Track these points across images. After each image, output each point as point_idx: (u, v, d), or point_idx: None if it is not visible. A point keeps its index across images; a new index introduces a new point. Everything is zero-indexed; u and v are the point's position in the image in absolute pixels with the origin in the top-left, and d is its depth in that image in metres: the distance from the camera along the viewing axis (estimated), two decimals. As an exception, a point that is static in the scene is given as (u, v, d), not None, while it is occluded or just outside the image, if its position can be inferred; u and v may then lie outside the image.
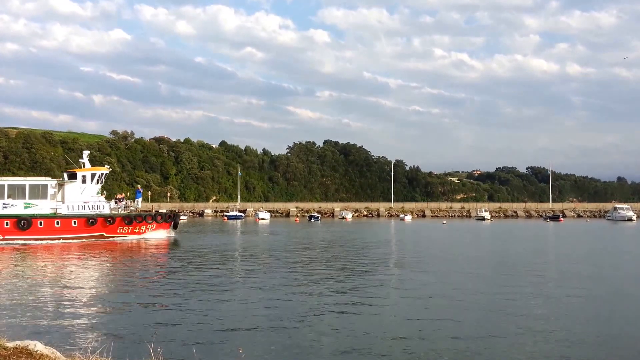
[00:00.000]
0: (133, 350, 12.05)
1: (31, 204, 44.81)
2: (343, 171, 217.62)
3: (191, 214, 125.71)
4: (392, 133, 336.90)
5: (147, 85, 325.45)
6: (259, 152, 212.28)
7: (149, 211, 55.79)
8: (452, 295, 20.46)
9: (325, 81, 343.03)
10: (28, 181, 46.31)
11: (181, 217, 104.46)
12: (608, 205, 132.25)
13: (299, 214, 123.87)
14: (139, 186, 58.71)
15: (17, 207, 44.59)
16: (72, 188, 46.37)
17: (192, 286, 22.34)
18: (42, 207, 44.96)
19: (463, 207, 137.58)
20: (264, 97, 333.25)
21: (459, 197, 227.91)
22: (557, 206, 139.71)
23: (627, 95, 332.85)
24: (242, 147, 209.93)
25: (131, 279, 24.74)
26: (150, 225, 48.72)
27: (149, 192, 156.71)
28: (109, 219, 46.28)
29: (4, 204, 44.35)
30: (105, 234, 46.25)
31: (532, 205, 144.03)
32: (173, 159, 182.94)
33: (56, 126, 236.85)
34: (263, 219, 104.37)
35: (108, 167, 52.20)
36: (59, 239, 44.22)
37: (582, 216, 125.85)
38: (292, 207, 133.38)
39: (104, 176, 48.05)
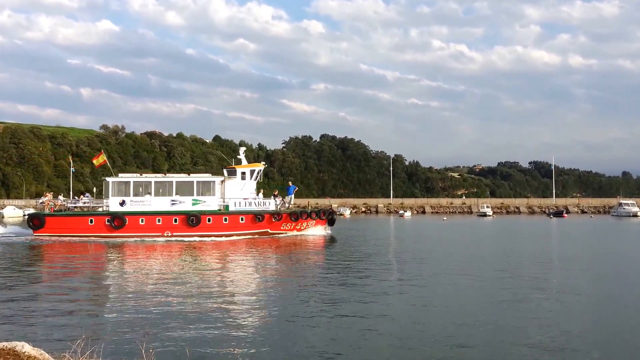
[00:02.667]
0: (125, 350, 12.21)
1: (199, 201, 45.55)
2: (340, 166, 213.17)
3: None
4: (390, 127, 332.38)
5: (137, 78, 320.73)
6: (254, 147, 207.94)
7: (305, 207, 55.65)
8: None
9: (321, 74, 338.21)
10: (196, 178, 47.41)
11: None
12: (613, 201, 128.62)
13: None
14: (290, 182, 57.20)
15: (186, 203, 45.32)
16: (232, 184, 47.08)
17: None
18: (209, 203, 45.76)
19: (464, 203, 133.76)
20: (258, 90, 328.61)
21: (460, 193, 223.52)
22: (561, 202, 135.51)
23: (632, 87, 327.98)
24: (237, 141, 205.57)
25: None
26: (310, 222, 48.60)
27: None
28: (276, 216, 46.65)
29: (172, 200, 45.21)
30: (269, 231, 46.62)
31: (535, 201, 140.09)
32: (165, 154, 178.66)
33: (43, 120, 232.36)
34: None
35: (264, 163, 52.21)
36: (225, 235, 44.64)
37: (586, 212, 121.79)
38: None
39: (261, 172, 48.74)
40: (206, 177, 48.16)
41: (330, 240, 43.98)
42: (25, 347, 8.15)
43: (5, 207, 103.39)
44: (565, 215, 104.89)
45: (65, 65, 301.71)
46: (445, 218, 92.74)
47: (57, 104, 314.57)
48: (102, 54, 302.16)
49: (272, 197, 49.38)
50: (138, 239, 42.85)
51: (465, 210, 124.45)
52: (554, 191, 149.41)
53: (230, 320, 15.86)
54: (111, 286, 22.64)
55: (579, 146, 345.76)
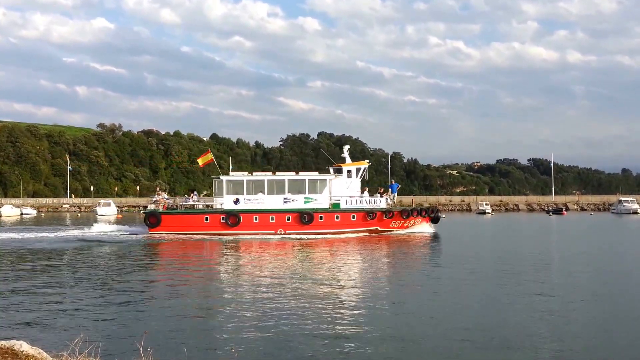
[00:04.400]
0: (123, 350, 12.22)
1: (311, 199, 46.15)
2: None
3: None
4: (388, 124, 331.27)
5: (133, 76, 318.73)
6: (251, 145, 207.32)
7: (409, 205, 56.28)
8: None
9: (317, 71, 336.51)
10: (307, 176, 48.08)
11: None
12: (612, 198, 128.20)
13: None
14: (393, 180, 56.13)
15: (298, 202, 45.96)
16: (339, 182, 47.40)
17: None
18: (321, 201, 46.29)
19: (463, 201, 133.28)
20: (254, 88, 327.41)
21: (458, 190, 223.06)
22: (560, 199, 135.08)
23: (632, 84, 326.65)
24: (234, 139, 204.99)
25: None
26: (416, 220, 48.83)
27: (138, 187, 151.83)
28: (388, 213, 46.78)
29: (285, 199, 45.88)
30: (379, 228, 46.84)
31: (534, 199, 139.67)
32: (162, 153, 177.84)
33: (39, 119, 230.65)
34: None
35: (368, 161, 51.72)
36: (336, 233, 45.15)
37: (585, 209, 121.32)
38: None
39: (366, 171, 48.78)
40: (317, 175, 48.68)
41: (435, 238, 44.29)
42: (24, 346, 8.22)
43: (2, 205, 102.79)
44: (565, 212, 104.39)
45: (60, 63, 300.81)
46: (444, 216, 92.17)
47: (53, 103, 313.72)
48: (97, 52, 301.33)
49: (378, 194, 49.21)
50: (250, 236, 43.55)
51: (464, 208, 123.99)
52: (553, 188, 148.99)
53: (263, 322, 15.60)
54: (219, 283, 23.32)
55: (579, 143, 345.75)
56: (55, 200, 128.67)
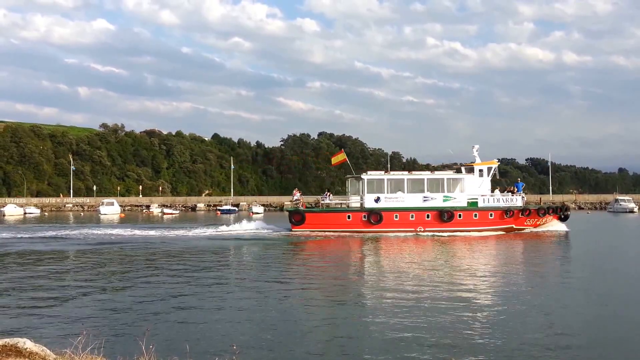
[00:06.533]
0: (126, 347, 12.07)
1: (449, 197, 47.10)
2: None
3: (183, 208, 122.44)
4: (386, 124, 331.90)
5: (133, 76, 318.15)
6: (252, 145, 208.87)
7: (537, 203, 57.55)
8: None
9: (316, 71, 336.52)
10: (445, 175, 48.98)
11: (173, 212, 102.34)
12: (609, 197, 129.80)
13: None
14: (519, 179, 59.41)
15: (437, 200, 46.93)
16: (472, 181, 48.18)
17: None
18: (459, 199, 47.14)
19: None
20: (254, 88, 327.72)
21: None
22: (558, 198, 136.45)
23: (627, 84, 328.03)
24: (235, 139, 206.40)
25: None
26: (548, 218, 49.33)
27: (140, 187, 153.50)
28: (525, 211, 47.64)
29: (424, 197, 46.90)
30: (514, 226, 47.38)
31: (532, 198, 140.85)
32: (164, 152, 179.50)
33: (41, 119, 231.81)
34: (257, 213, 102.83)
35: (497, 160, 52.54)
36: (473, 231, 45.89)
37: (583, 208, 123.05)
38: (286, 200, 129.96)
39: (496, 170, 49.86)
40: (454, 174, 49.39)
41: (567, 237, 44.56)
42: (27, 344, 8.21)
43: (6, 205, 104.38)
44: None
45: (61, 64, 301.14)
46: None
47: (54, 103, 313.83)
48: (98, 52, 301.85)
49: (507, 192, 49.78)
50: (391, 234, 44.59)
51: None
52: (550, 188, 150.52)
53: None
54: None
55: (575, 143, 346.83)
56: (58, 199, 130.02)
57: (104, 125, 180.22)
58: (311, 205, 51.22)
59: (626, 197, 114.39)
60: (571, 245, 39.67)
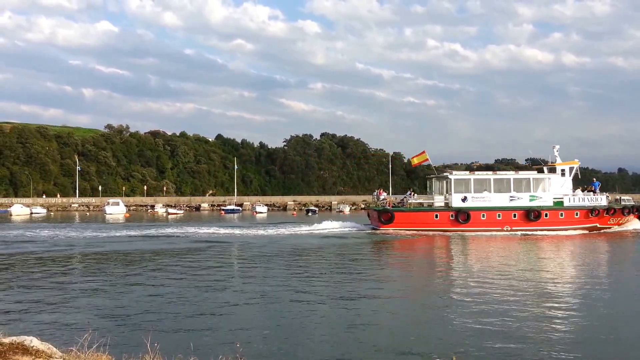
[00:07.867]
0: (132, 345, 12.20)
1: (536, 197, 47.74)
2: (341, 164, 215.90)
3: (187, 208, 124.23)
4: (388, 125, 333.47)
5: (137, 78, 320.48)
6: (255, 146, 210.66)
7: (616, 202, 57.64)
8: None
9: (318, 73, 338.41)
10: (531, 175, 49.60)
11: (177, 212, 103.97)
12: (611, 197, 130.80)
13: (296, 208, 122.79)
14: (594, 179, 59.74)
15: (523, 199, 47.64)
16: (555, 181, 48.84)
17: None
18: (545, 199, 47.76)
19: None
20: (256, 90, 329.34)
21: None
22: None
23: (626, 85, 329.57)
24: (239, 140, 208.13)
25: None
26: (629, 217, 50.28)
27: (145, 187, 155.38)
28: (610, 210, 48.41)
29: (511, 196, 47.64)
30: (598, 225, 48.14)
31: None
32: (169, 153, 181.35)
33: (47, 120, 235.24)
34: (260, 212, 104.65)
35: (577, 160, 52.40)
36: (559, 230, 46.62)
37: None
38: (289, 200, 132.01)
39: (577, 170, 50.36)
40: (539, 174, 49.74)
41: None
42: (34, 342, 8.25)
43: (13, 205, 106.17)
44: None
45: (66, 65, 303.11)
46: None
47: (59, 104, 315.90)
48: (102, 54, 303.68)
49: (588, 191, 50.41)
50: (478, 233, 45.50)
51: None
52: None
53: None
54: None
55: (575, 143, 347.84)
56: (65, 199, 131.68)
57: (109, 126, 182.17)
58: (395, 205, 51.64)
59: (626, 197, 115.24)
60: None
